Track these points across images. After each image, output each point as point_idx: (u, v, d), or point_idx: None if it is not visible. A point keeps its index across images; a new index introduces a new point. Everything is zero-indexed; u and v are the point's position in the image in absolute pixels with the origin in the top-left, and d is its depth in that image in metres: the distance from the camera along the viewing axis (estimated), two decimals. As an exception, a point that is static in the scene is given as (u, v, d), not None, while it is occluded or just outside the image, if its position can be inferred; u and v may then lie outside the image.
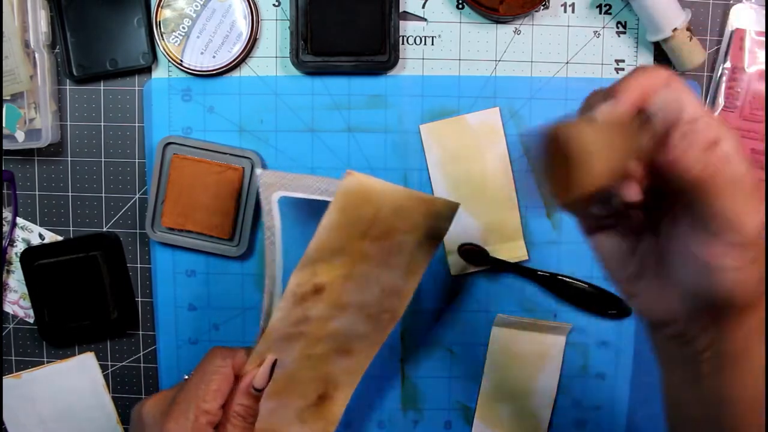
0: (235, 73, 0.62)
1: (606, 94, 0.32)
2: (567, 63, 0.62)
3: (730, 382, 0.34)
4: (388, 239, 0.45)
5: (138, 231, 0.64)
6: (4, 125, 0.60)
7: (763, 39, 0.61)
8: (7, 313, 0.65)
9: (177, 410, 0.40)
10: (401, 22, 0.61)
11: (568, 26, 0.62)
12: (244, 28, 0.60)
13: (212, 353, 0.43)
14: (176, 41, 0.61)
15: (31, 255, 0.63)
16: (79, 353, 0.65)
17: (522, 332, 0.63)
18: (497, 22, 0.62)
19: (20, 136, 0.60)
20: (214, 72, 0.61)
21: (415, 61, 0.62)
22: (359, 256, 0.45)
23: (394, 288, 0.49)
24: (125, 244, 0.64)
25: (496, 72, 0.62)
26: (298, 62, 0.61)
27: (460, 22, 0.62)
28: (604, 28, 0.62)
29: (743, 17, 0.61)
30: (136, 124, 0.63)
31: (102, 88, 0.63)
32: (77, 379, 0.65)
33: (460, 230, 0.62)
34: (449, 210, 0.50)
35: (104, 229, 0.64)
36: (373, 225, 0.44)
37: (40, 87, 0.60)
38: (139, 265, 0.65)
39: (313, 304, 0.45)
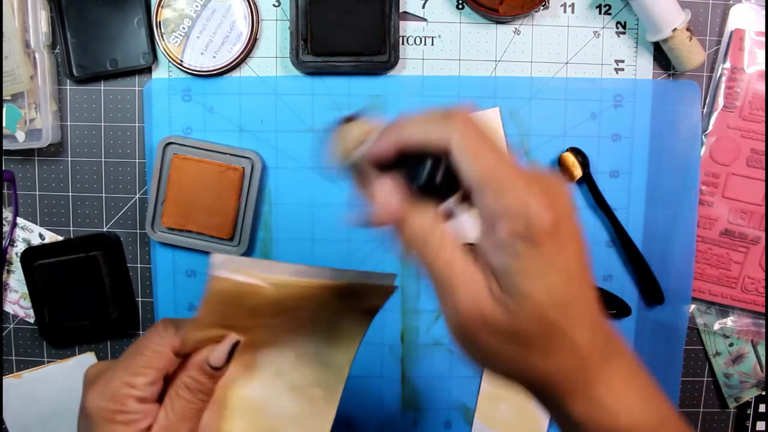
0: (235, 73, 0.62)
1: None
2: (567, 63, 0.62)
3: None
4: (293, 314, 0.39)
5: (138, 231, 0.64)
6: (4, 125, 0.60)
7: (763, 39, 0.61)
8: (8, 313, 0.65)
9: (102, 379, 0.37)
10: (401, 22, 0.61)
11: (568, 26, 0.62)
12: (244, 28, 0.60)
13: (155, 326, 0.39)
14: (176, 41, 0.61)
15: (31, 255, 0.63)
16: (80, 353, 0.65)
17: (522, 332, 0.63)
18: (497, 22, 0.62)
19: (21, 136, 0.61)
20: (215, 72, 0.61)
21: (415, 61, 0.62)
22: (257, 328, 0.39)
23: (317, 356, 0.41)
24: (125, 244, 0.64)
25: (496, 72, 0.62)
26: (298, 62, 0.61)
27: (460, 23, 0.62)
28: (603, 28, 0.62)
29: (743, 17, 0.61)
30: (137, 124, 0.63)
31: (102, 88, 0.63)
32: (78, 379, 0.64)
33: (460, 230, 0.62)
34: (382, 293, 0.40)
35: (104, 229, 0.64)
36: (267, 308, 0.38)
37: (40, 87, 0.60)
38: (139, 265, 0.65)
39: None
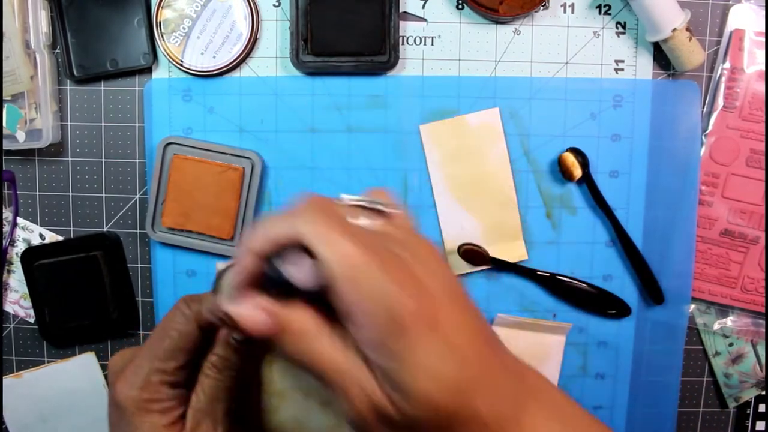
0: (236, 74, 0.62)
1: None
2: (566, 63, 0.62)
3: None
4: None
5: (138, 231, 0.64)
6: (4, 125, 0.60)
7: (763, 39, 0.61)
8: (8, 313, 0.65)
9: (130, 368, 0.36)
10: (401, 23, 0.61)
11: (568, 26, 0.62)
12: (244, 28, 0.60)
13: (176, 305, 0.37)
14: (176, 41, 0.61)
15: (31, 255, 0.63)
16: (80, 353, 0.65)
17: (522, 332, 0.63)
18: (497, 22, 0.62)
19: (21, 136, 0.61)
20: (215, 72, 0.61)
21: (415, 62, 0.62)
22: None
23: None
24: (126, 244, 0.64)
25: (496, 72, 0.62)
26: (298, 62, 0.61)
27: (460, 23, 0.62)
28: (603, 28, 0.62)
29: (742, 18, 0.61)
30: (137, 125, 0.63)
31: (102, 88, 0.63)
32: (78, 379, 0.65)
33: (460, 230, 0.62)
34: None
35: (105, 229, 0.64)
36: None
37: (40, 87, 0.60)
38: (139, 265, 0.65)
39: None
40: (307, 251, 0.30)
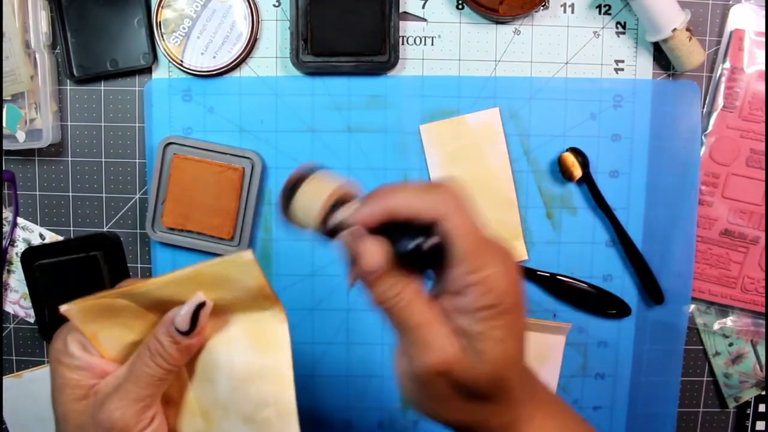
0: (236, 74, 0.62)
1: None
2: (566, 63, 0.62)
3: None
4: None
5: (138, 231, 0.64)
6: (4, 125, 0.60)
7: (762, 39, 0.61)
8: (8, 313, 0.65)
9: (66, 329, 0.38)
10: (401, 23, 0.61)
11: (568, 26, 0.62)
12: (244, 28, 0.60)
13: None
14: (176, 41, 0.61)
15: (31, 255, 0.63)
16: (80, 353, 0.65)
17: (522, 332, 0.63)
18: (497, 22, 0.62)
19: (21, 136, 0.61)
20: (215, 72, 0.61)
21: (415, 62, 0.62)
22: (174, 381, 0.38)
23: (248, 375, 0.37)
24: (126, 244, 0.64)
25: (496, 72, 0.62)
26: (298, 62, 0.61)
27: (460, 23, 0.62)
28: (603, 28, 0.62)
29: (742, 18, 0.61)
30: (137, 125, 0.63)
31: (102, 88, 0.63)
32: (78, 379, 0.65)
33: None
34: (242, 267, 0.35)
35: (105, 229, 0.64)
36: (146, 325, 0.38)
37: (40, 87, 0.60)
38: (139, 265, 0.65)
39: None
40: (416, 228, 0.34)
